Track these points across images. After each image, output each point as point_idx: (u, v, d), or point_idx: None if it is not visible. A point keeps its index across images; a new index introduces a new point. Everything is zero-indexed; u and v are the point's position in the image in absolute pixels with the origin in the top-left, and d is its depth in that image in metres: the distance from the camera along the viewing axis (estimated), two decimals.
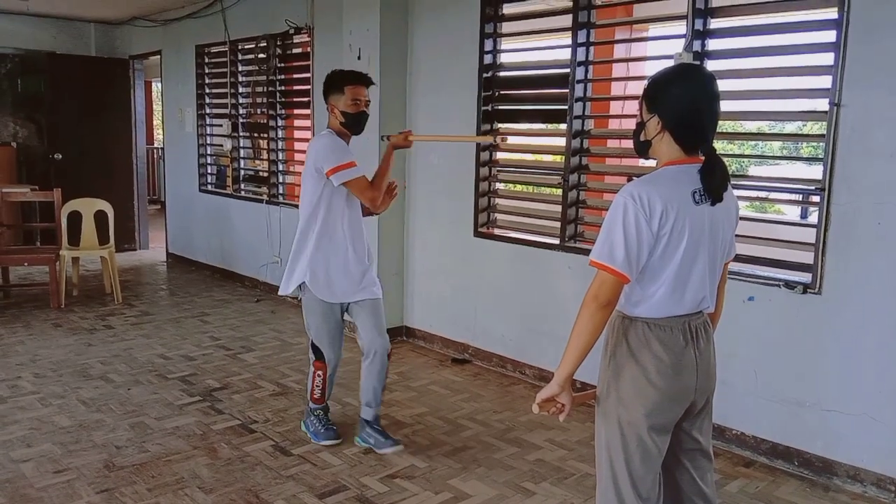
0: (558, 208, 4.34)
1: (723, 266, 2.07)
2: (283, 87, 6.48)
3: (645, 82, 2.03)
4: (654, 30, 4.81)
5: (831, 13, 3.19)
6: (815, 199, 3.41)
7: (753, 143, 5.39)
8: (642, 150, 2.04)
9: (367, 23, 4.97)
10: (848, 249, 3.16)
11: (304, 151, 6.47)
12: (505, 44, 4.72)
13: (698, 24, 3.56)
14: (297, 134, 6.88)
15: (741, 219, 2.15)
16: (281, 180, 6.59)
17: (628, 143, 4.37)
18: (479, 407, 4.08)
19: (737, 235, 2.13)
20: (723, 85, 2.04)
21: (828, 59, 3.19)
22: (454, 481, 3.19)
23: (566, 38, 4.23)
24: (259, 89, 6.59)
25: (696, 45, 3.57)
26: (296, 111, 6.57)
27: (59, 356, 4.79)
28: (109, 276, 6.42)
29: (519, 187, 5.59)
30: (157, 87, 12.36)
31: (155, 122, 12.89)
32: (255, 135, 6.88)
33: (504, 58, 4.70)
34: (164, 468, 3.24)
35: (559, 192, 4.34)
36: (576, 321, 1.91)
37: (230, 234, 7.24)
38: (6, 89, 8.23)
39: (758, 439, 3.49)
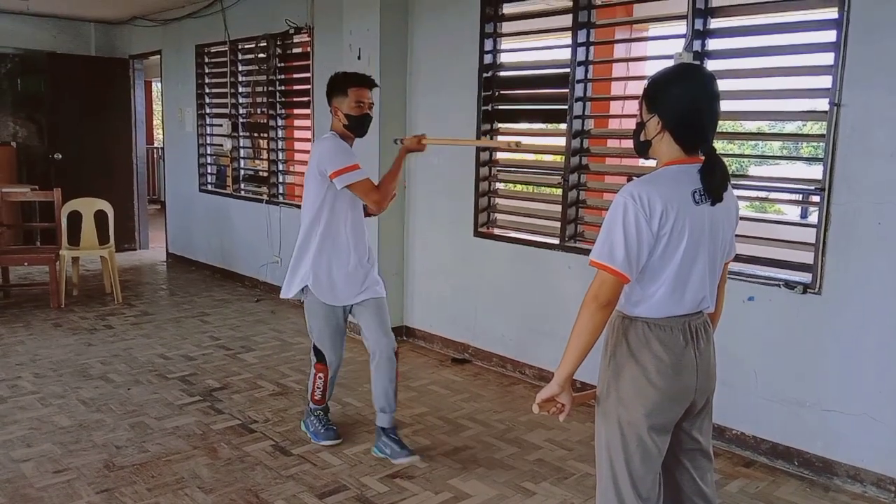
0: (558, 208, 4.34)
1: (723, 266, 2.07)
2: (283, 87, 6.48)
3: (645, 82, 2.02)
4: (654, 30, 4.81)
5: (831, 13, 3.19)
6: (815, 199, 3.40)
7: (753, 143, 5.39)
8: (642, 150, 2.04)
9: (367, 23, 4.97)
10: (848, 249, 3.16)
11: (304, 151, 6.52)
12: (505, 44, 4.71)
13: (698, 24, 3.56)
14: (297, 134, 6.87)
15: (741, 219, 2.15)
16: (281, 180, 6.59)
17: (628, 143, 4.37)
18: (479, 407, 4.08)
19: (737, 235, 2.13)
20: (723, 85, 2.04)
21: (828, 58, 3.19)
22: (454, 481, 3.19)
23: (566, 38, 4.23)
24: (259, 89, 6.59)
25: (696, 45, 3.56)
26: (296, 111, 6.57)
27: (59, 356, 4.79)
28: (109, 275, 6.42)
29: (519, 187, 5.58)
30: (157, 86, 12.36)
31: (155, 122, 12.89)
32: (255, 135, 6.88)
33: (504, 58, 4.70)
34: (164, 468, 3.24)
35: (559, 191, 4.34)
36: (576, 321, 1.91)
37: (230, 234, 7.24)
38: (6, 89, 8.23)
39: (758, 439, 3.49)
